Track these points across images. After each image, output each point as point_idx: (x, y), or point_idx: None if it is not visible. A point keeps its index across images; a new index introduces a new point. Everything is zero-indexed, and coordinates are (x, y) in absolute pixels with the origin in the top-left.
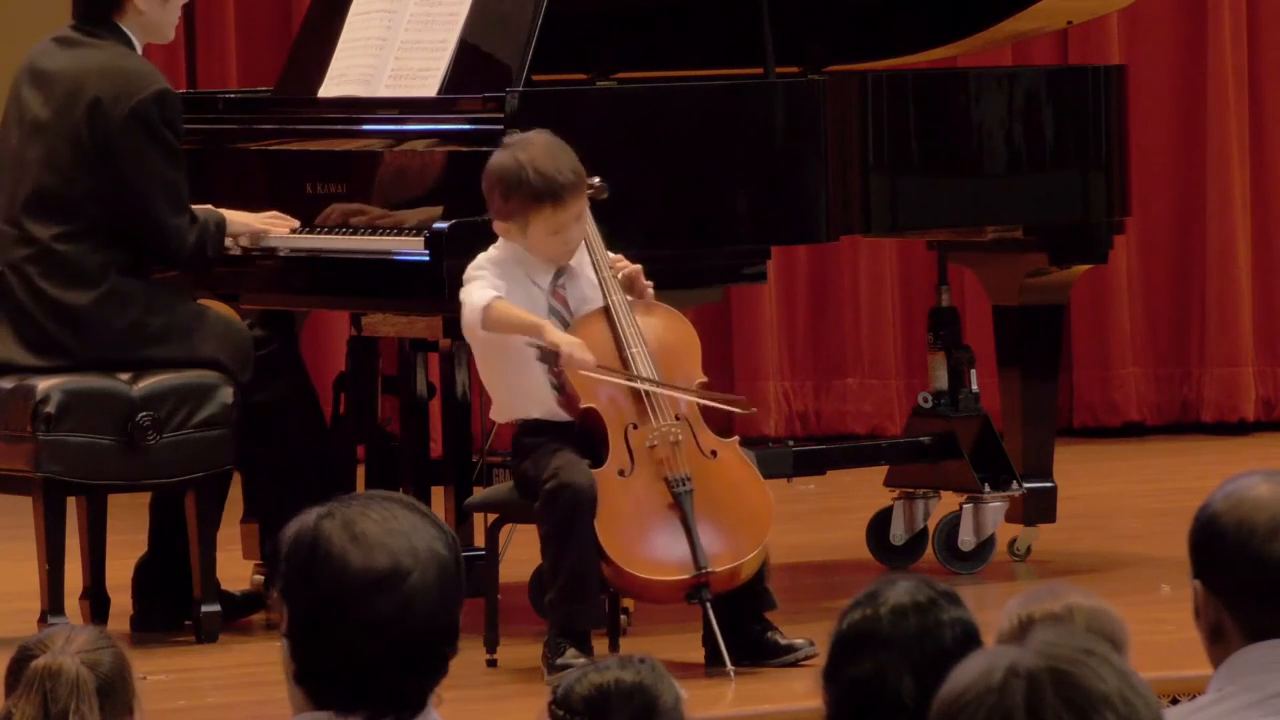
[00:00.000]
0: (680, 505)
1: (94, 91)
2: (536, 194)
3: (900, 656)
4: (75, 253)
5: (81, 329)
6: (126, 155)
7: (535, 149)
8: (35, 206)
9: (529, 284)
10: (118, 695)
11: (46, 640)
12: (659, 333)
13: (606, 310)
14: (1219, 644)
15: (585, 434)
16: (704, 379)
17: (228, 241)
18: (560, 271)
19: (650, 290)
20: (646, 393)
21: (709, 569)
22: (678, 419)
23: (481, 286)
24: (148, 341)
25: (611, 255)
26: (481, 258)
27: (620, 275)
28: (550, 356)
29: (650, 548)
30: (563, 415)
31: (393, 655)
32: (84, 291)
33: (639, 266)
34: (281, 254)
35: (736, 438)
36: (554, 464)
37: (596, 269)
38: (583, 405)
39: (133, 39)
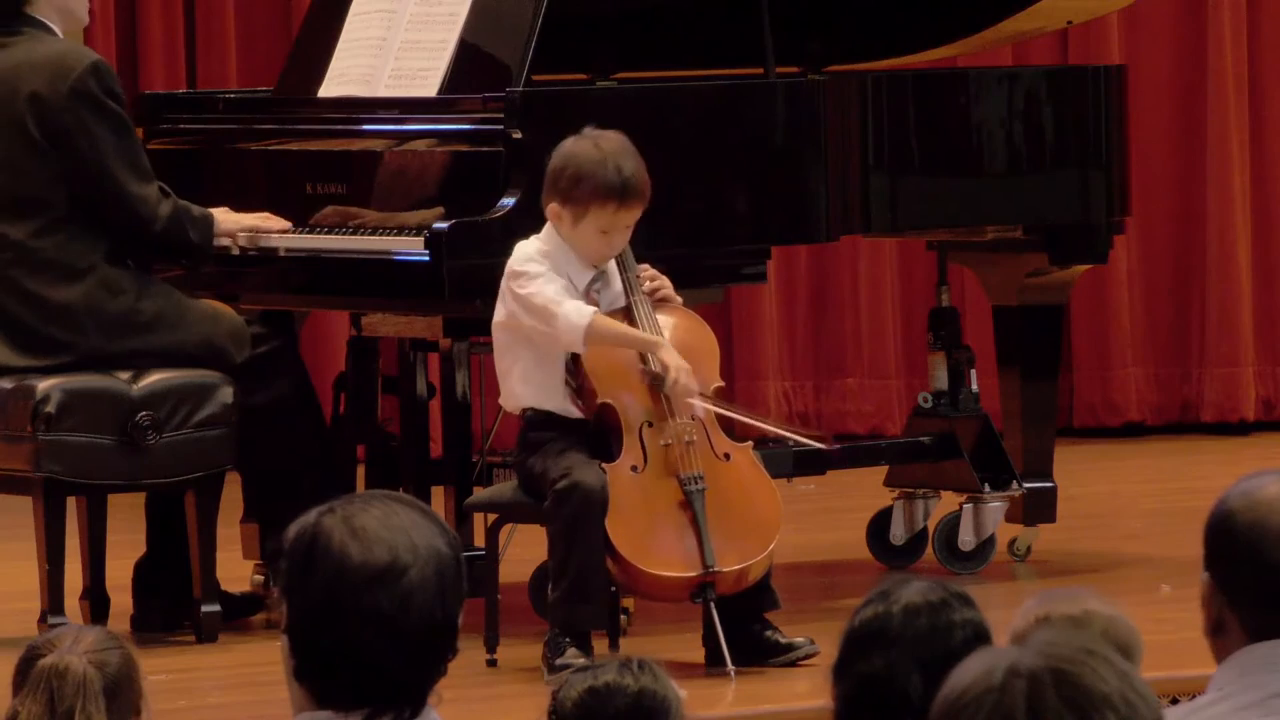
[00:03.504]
0: (691, 504)
1: (29, 85)
2: (609, 190)
3: (909, 655)
4: (53, 247)
5: (74, 323)
6: (77, 134)
7: (617, 145)
8: (6, 211)
9: (568, 284)
10: (124, 696)
11: (54, 640)
12: (679, 335)
13: (628, 310)
14: (1220, 637)
15: (598, 429)
16: (720, 383)
17: (226, 241)
18: (597, 276)
19: (671, 293)
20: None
21: (716, 568)
22: (693, 419)
23: (559, 290)
24: (141, 329)
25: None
26: (530, 249)
27: (649, 288)
28: (659, 382)
29: (659, 544)
30: (572, 411)
31: (391, 650)
32: (72, 285)
33: (658, 276)
34: (281, 254)
35: (750, 442)
36: (566, 463)
37: (623, 270)
38: (599, 400)
39: (51, 26)
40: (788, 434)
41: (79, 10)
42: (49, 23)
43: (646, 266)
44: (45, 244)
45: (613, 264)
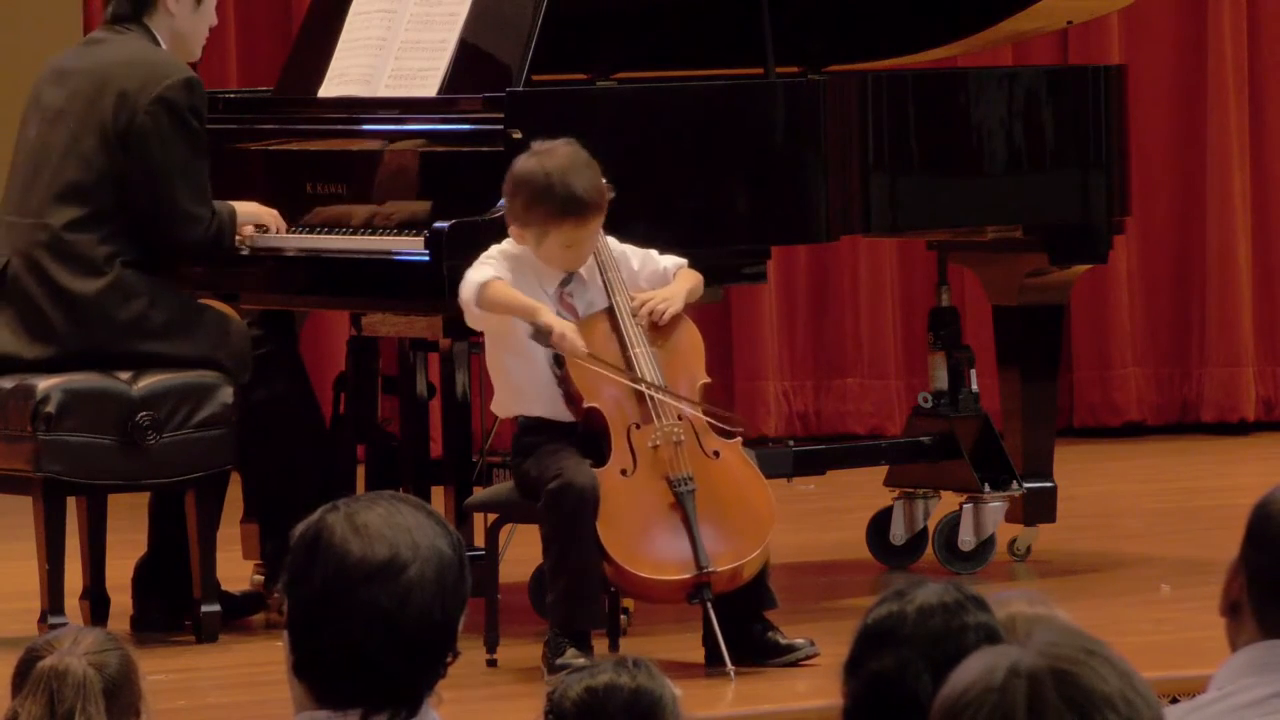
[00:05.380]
0: (682, 505)
1: (121, 84)
2: (561, 209)
3: (921, 655)
4: (82, 241)
5: (83, 319)
6: (151, 139)
7: (564, 161)
8: (54, 194)
9: (536, 287)
10: (124, 696)
11: (54, 641)
12: (663, 334)
13: (611, 311)
14: (1233, 620)
15: (588, 433)
16: (707, 380)
17: (238, 242)
18: (569, 278)
19: (669, 313)
20: (650, 393)
21: (710, 569)
22: (680, 419)
23: (484, 267)
24: (147, 336)
25: (637, 296)
26: (494, 248)
27: (645, 312)
28: (542, 338)
29: (652, 547)
30: (565, 415)
31: (388, 648)
32: (89, 280)
33: (660, 305)
34: (282, 254)
35: (739, 439)
36: (557, 464)
37: (602, 270)
38: (586, 405)
39: (159, 39)
40: (701, 414)
41: (193, 45)
42: (159, 38)
43: (643, 299)
44: (76, 237)
45: (595, 266)
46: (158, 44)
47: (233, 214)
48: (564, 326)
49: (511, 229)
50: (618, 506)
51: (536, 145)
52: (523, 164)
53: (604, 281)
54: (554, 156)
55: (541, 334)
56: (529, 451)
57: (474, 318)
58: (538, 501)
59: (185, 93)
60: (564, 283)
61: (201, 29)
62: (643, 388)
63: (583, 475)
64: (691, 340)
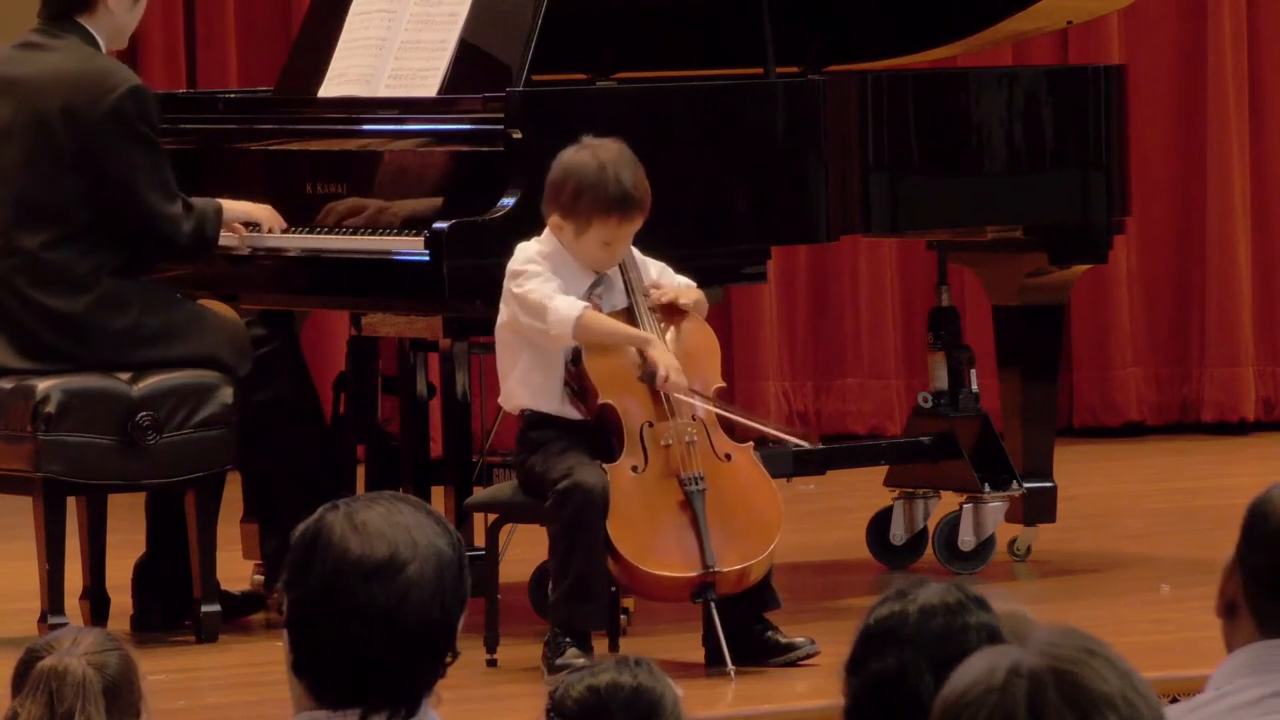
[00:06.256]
0: (691, 504)
1: (65, 97)
2: (611, 203)
3: (923, 655)
4: (63, 259)
5: (78, 335)
6: (109, 155)
7: (616, 156)
8: (17, 216)
9: (569, 288)
10: (124, 697)
11: (54, 641)
12: (680, 336)
13: (630, 311)
14: (1230, 620)
15: (599, 429)
16: (722, 384)
17: (233, 240)
18: (598, 280)
19: (687, 300)
20: (665, 393)
21: (717, 569)
22: (694, 419)
23: (555, 288)
24: (145, 343)
25: (655, 287)
26: (530, 250)
27: (661, 299)
28: (648, 376)
29: (660, 544)
30: (570, 413)
31: (386, 647)
32: (76, 298)
33: (677, 295)
34: (282, 254)
35: (751, 443)
36: (567, 464)
37: (624, 271)
38: (600, 401)
39: (97, 39)
40: (779, 434)
41: (126, 37)
42: (97, 37)
43: (657, 290)
44: (54, 255)
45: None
46: (95, 45)
47: (218, 209)
48: (671, 365)
49: (551, 220)
50: (627, 503)
51: (586, 140)
52: (574, 154)
53: (625, 282)
54: (607, 150)
55: (647, 372)
56: (535, 447)
57: (505, 326)
58: (542, 498)
59: (132, 101)
60: (594, 285)
61: (136, 20)
62: (735, 417)
63: (593, 476)
64: (708, 343)
